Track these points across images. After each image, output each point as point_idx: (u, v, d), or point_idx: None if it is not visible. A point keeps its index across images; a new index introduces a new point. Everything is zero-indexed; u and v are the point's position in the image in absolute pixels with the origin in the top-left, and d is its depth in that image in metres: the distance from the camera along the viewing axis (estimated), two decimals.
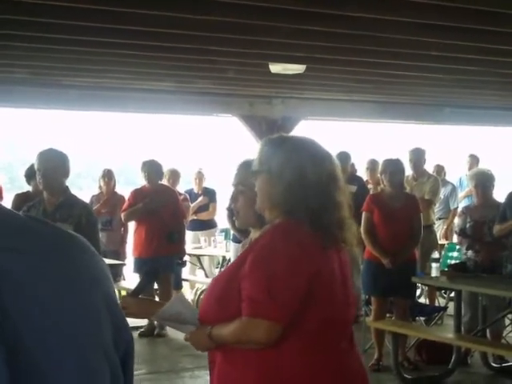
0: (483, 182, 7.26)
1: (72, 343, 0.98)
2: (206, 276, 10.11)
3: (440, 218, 10.21)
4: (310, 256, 2.51)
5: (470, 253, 7.21)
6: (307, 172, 2.56)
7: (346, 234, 2.62)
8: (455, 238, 7.65)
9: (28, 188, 7.66)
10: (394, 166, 7.10)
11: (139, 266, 8.30)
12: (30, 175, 7.32)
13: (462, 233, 7.30)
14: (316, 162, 2.60)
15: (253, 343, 2.53)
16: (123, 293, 8.69)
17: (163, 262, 8.02)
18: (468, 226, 7.22)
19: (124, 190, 10.03)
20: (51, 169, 5.01)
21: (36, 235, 1.03)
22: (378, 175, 7.60)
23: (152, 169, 8.50)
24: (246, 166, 2.85)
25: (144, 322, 8.24)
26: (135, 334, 8.26)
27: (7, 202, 7.98)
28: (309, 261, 2.50)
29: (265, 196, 2.63)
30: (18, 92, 8.55)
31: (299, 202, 2.55)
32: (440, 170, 10.69)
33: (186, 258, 9.62)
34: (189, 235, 10.09)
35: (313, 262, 2.51)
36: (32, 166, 6.75)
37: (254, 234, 2.82)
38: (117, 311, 1.08)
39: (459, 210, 8.45)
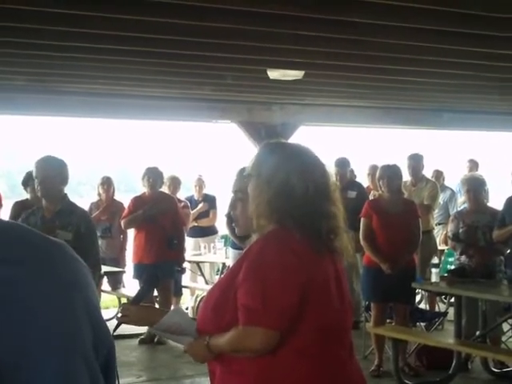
0: (475, 186, 7.27)
1: (51, 347, 1.00)
2: (206, 283, 10.11)
3: (439, 224, 10.20)
4: (304, 262, 2.51)
5: (463, 258, 7.21)
6: (293, 182, 2.56)
7: (337, 243, 2.62)
8: (450, 243, 7.64)
9: (27, 195, 7.67)
10: (391, 172, 7.11)
11: (139, 272, 8.30)
12: (26, 182, 7.33)
13: (455, 238, 7.30)
14: (304, 172, 2.60)
15: (249, 351, 2.53)
16: (123, 300, 8.69)
17: (163, 267, 8.03)
18: (461, 231, 7.22)
19: (124, 196, 10.04)
20: (49, 176, 5.00)
21: (18, 243, 1.05)
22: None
23: (156, 175, 8.53)
24: (244, 173, 2.86)
25: (144, 329, 8.22)
26: (135, 342, 8.25)
27: (7, 210, 8.00)
28: (302, 267, 2.50)
29: (253, 201, 2.64)
30: (18, 99, 8.55)
31: (285, 211, 2.55)
32: (439, 175, 10.69)
33: (187, 264, 9.62)
34: (189, 242, 10.09)
35: (306, 268, 2.51)
36: (28, 174, 6.77)
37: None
38: (97, 317, 1.09)
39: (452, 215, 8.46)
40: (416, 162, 9.04)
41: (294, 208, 2.55)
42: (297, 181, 2.56)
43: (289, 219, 2.54)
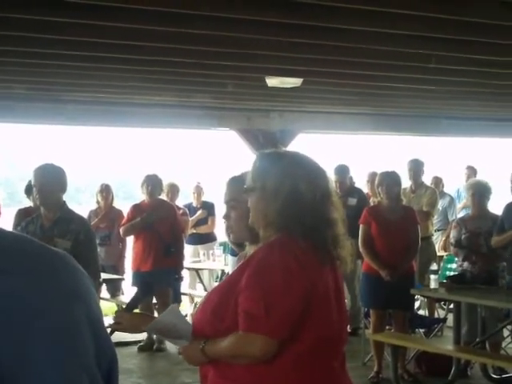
0: (480, 191, 7.27)
1: (52, 357, 1.00)
2: (205, 290, 10.10)
3: (438, 230, 10.21)
4: (307, 271, 2.50)
5: (466, 264, 7.20)
6: (302, 190, 2.56)
7: (340, 251, 2.61)
8: (453, 250, 7.64)
9: (30, 203, 7.68)
10: (390, 179, 7.11)
11: (138, 280, 8.31)
12: (29, 190, 7.34)
13: (458, 244, 7.30)
14: (311, 179, 2.59)
15: (248, 358, 2.52)
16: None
17: (161, 275, 8.03)
18: (463, 237, 7.22)
19: (123, 204, 10.03)
20: (47, 184, 4.99)
21: (20, 254, 1.05)
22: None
23: (155, 183, 8.54)
24: (235, 182, 2.86)
25: (143, 336, 8.22)
26: (134, 349, 8.24)
27: (6, 218, 8.00)
28: (305, 276, 2.50)
29: (259, 214, 2.62)
30: (17, 108, 8.57)
31: (294, 220, 2.54)
32: (438, 181, 10.70)
33: (186, 272, 9.61)
34: (188, 249, 10.08)
35: (309, 277, 2.50)
36: (31, 182, 6.78)
37: (250, 248, 2.82)
38: (99, 327, 1.09)
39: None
40: (416, 166, 9.06)
41: (303, 216, 2.54)
42: (305, 188, 2.56)
43: (298, 227, 2.53)
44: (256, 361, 2.50)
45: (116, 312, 3.18)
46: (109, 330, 2.91)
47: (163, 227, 8.37)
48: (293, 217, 2.55)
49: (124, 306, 3.20)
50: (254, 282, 2.49)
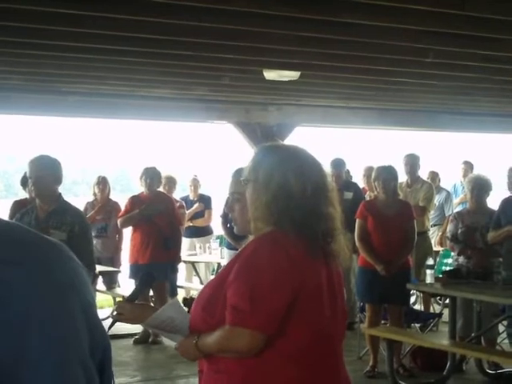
0: (480, 186, 7.27)
1: (49, 349, 1.00)
2: (201, 283, 10.11)
3: (435, 225, 10.22)
4: (296, 266, 2.48)
5: (461, 259, 7.21)
6: (292, 183, 2.54)
7: (334, 246, 2.59)
8: (448, 244, 7.65)
9: (26, 195, 7.68)
10: (387, 173, 7.10)
11: (135, 272, 8.30)
12: (25, 182, 7.34)
13: (454, 238, 7.30)
14: (302, 173, 2.58)
15: (235, 352, 2.51)
16: (118, 299, 8.68)
17: (158, 268, 8.03)
18: (460, 231, 7.22)
19: (120, 197, 10.04)
20: (42, 176, 4.99)
21: (16, 243, 1.05)
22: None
23: (154, 175, 8.53)
24: (239, 174, 2.85)
25: (139, 329, 8.22)
26: (130, 341, 8.24)
27: (2, 209, 7.99)
28: (294, 271, 2.48)
29: (251, 205, 2.62)
30: (15, 99, 8.55)
31: (283, 214, 2.53)
32: (434, 176, 10.70)
33: (182, 264, 9.60)
34: (185, 242, 10.08)
35: (298, 272, 2.49)
36: (26, 173, 6.78)
37: None
38: (94, 318, 1.10)
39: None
40: (413, 160, 9.07)
41: (292, 210, 2.53)
42: (294, 182, 2.54)
43: (287, 221, 2.52)
44: (243, 355, 2.50)
45: (118, 302, 3.18)
46: (110, 321, 2.93)
47: (162, 220, 8.36)
48: (282, 210, 2.54)
49: (126, 297, 3.20)
50: (242, 276, 2.48)
